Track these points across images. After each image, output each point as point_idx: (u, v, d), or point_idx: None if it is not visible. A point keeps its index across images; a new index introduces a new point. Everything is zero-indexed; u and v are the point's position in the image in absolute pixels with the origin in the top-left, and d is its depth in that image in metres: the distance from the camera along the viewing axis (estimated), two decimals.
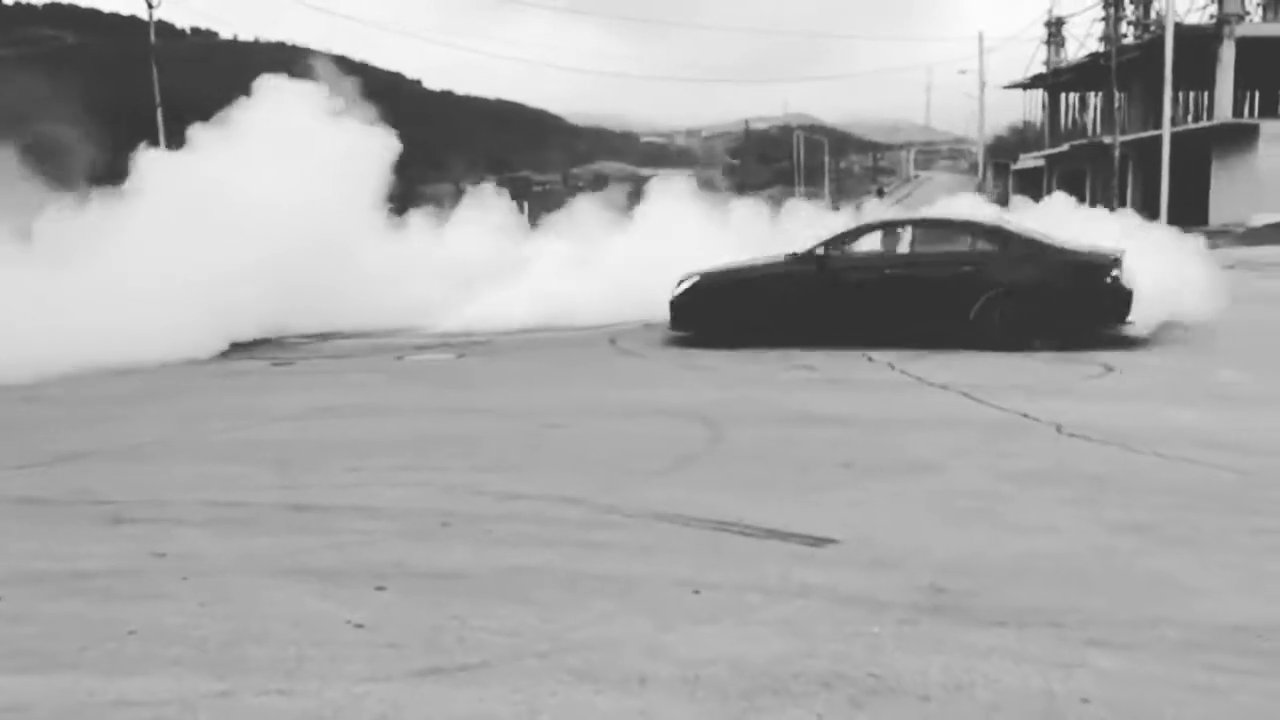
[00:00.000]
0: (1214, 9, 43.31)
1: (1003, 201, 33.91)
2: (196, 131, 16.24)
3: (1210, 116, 45.02)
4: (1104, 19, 47.66)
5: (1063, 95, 57.17)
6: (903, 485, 6.29)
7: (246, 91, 16.48)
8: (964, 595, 4.42)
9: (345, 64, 20.32)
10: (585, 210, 21.37)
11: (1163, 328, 12.82)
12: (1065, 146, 49.15)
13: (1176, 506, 5.69)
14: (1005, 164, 63.10)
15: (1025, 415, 8.17)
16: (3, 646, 4.15)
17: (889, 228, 13.59)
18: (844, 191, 52.49)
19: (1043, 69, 55.07)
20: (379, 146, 17.20)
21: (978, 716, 3.41)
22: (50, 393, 10.79)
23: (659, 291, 13.87)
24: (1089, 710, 3.43)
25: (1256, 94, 49.76)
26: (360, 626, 4.23)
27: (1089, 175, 48.03)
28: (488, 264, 18.10)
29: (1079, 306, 12.00)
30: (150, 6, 36.04)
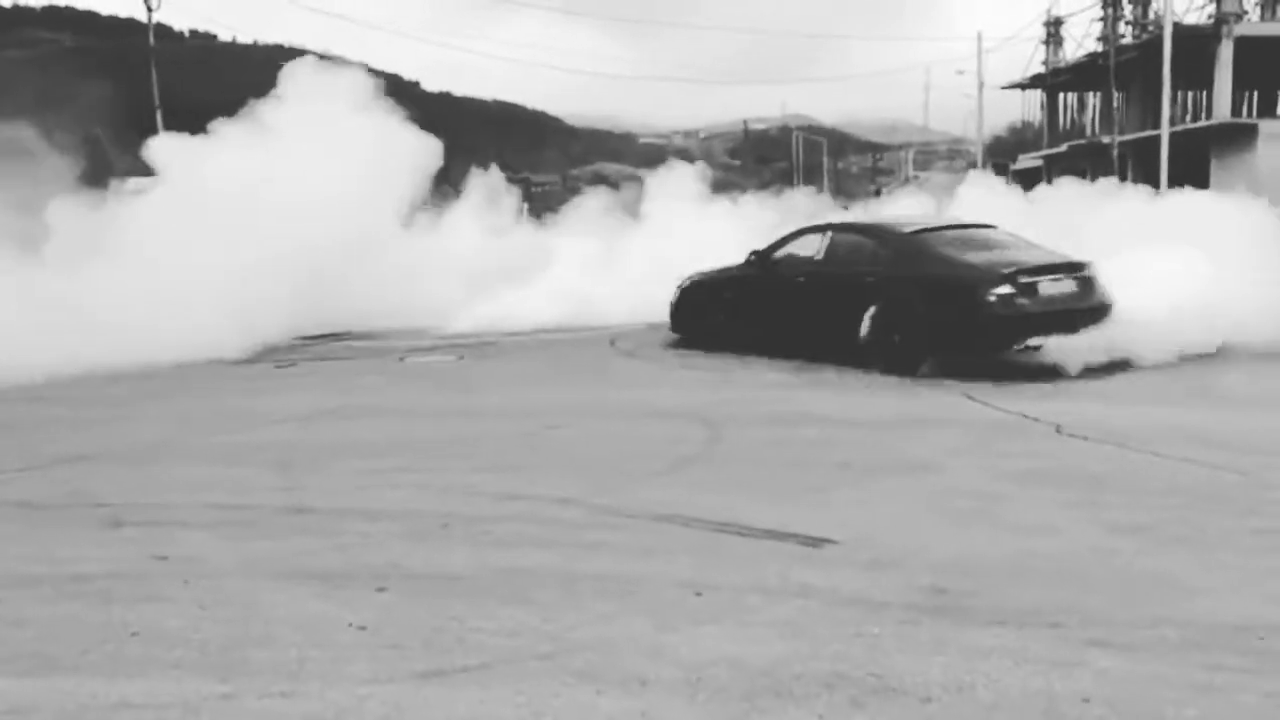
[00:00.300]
0: (1212, 9, 43.31)
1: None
2: (221, 124, 16.17)
3: (1209, 116, 45.02)
4: (1102, 19, 47.66)
5: (1061, 95, 57.15)
6: (902, 485, 6.30)
7: (245, 93, 16.46)
8: (964, 595, 4.42)
9: (344, 65, 20.27)
10: (595, 208, 21.29)
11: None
12: (1064, 147, 49.16)
13: (1176, 506, 5.70)
14: (1004, 164, 63.14)
15: (1024, 415, 8.18)
16: (3, 649, 4.16)
17: (820, 231, 12.37)
18: (843, 192, 52.50)
19: (1041, 69, 55.04)
20: (409, 144, 17.09)
21: (979, 717, 3.42)
22: (53, 394, 10.78)
23: (666, 292, 13.89)
24: (1089, 710, 3.43)
25: (1255, 94, 49.77)
26: (362, 628, 4.24)
27: (1088, 175, 48.02)
28: (504, 263, 18.03)
29: (945, 328, 10.35)
30: (149, 9, 36.06)
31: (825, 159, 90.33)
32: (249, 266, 13.89)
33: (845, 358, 10.91)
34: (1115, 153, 42.44)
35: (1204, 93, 47.73)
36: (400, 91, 19.00)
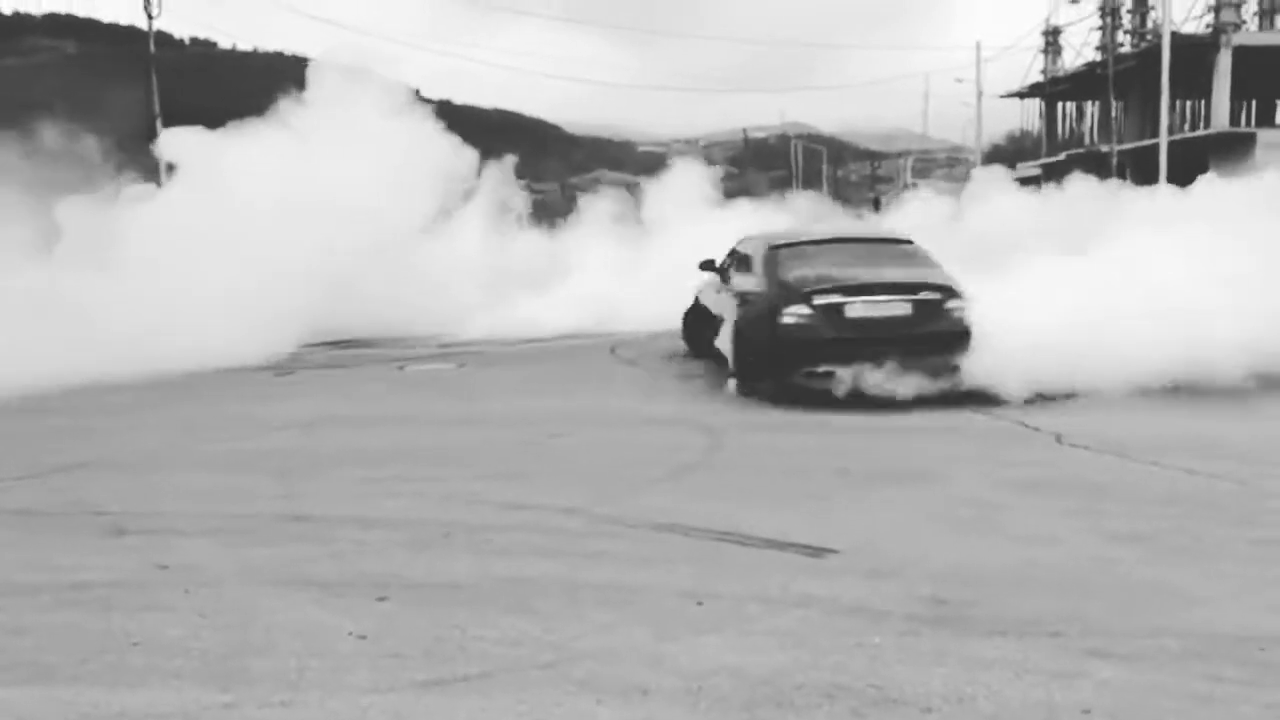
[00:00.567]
0: (1210, 18, 43.45)
1: None
2: (242, 124, 16.12)
3: (1207, 125, 45.13)
4: (1101, 28, 47.80)
5: (1060, 104, 57.29)
6: (902, 494, 6.30)
7: (244, 99, 16.50)
8: (965, 605, 4.43)
9: (341, 73, 20.31)
10: (605, 214, 21.11)
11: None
12: (1062, 155, 49.23)
13: (1176, 516, 5.70)
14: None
15: (1024, 424, 8.18)
16: (3, 658, 4.15)
17: (750, 242, 11.69)
18: (842, 198, 52.55)
19: (1040, 78, 55.17)
20: (435, 151, 17.04)
21: None
22: (54, 402, 10.76)
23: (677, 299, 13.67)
24: None
25: (1253, 103, 49.90)
26: (362, 637, 4.23)
27: None
28: (515, 270, 17.98)
29: (752, 346, 9.93)
30: (150, 17, 36.12)
31: (825, 167, 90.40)
32: (263, 272, 13.83)
33: None
34: (1114, 161, 42.53)
35: (1202, 102, 47.83)
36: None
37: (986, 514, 5.85)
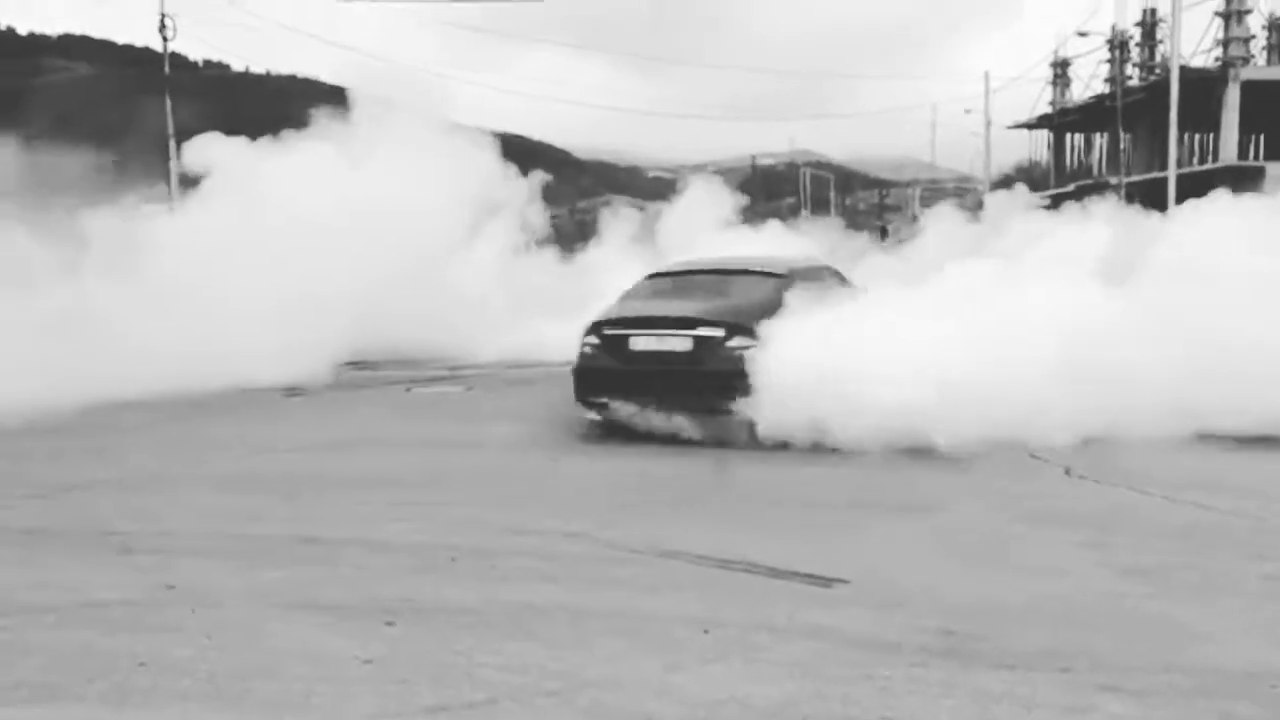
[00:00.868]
0: (1219, 52, 43.66)
1: None
2: (293, 138, 16.11)
3: (1216, 159, 45.22)
4: (1109, 61, 48.09)
5: (1068, 135, 57.51)
6: (910, 525, 6.28)
7: (257, 122, 16.57)
8: (973, 638, 4.40)
9: (352, 96, 20.44)
10: (624, 235, 20.91)
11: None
12: (1071, 187, 49.35)
13: (1185, 550, 5.67)
14: None
15: (1033, 456, 8.15)
16: (9, 677, 4.15)
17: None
18: (855, 226, 52.60)
19: (1048, 109, 55.43)
20: (476, 172, 16.99)
21: None
22: (66, 421, 10.76)
23: None
24: None
25: (1261, 137, 50.02)
26: (369, 662, 4.23)
27: None
28: (540, 292, 17.92)
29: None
30: (165, 39, 36.47)
31: (833, 195, 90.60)
32: (292, 291, 13.75)
33: None
34: (1122, 193, 42.58)
35: (1210, 135, 47.94)
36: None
37: (995, 546, 5.83)
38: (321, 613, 4.83)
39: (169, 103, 34.38)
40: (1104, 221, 14.64)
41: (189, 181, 16.82)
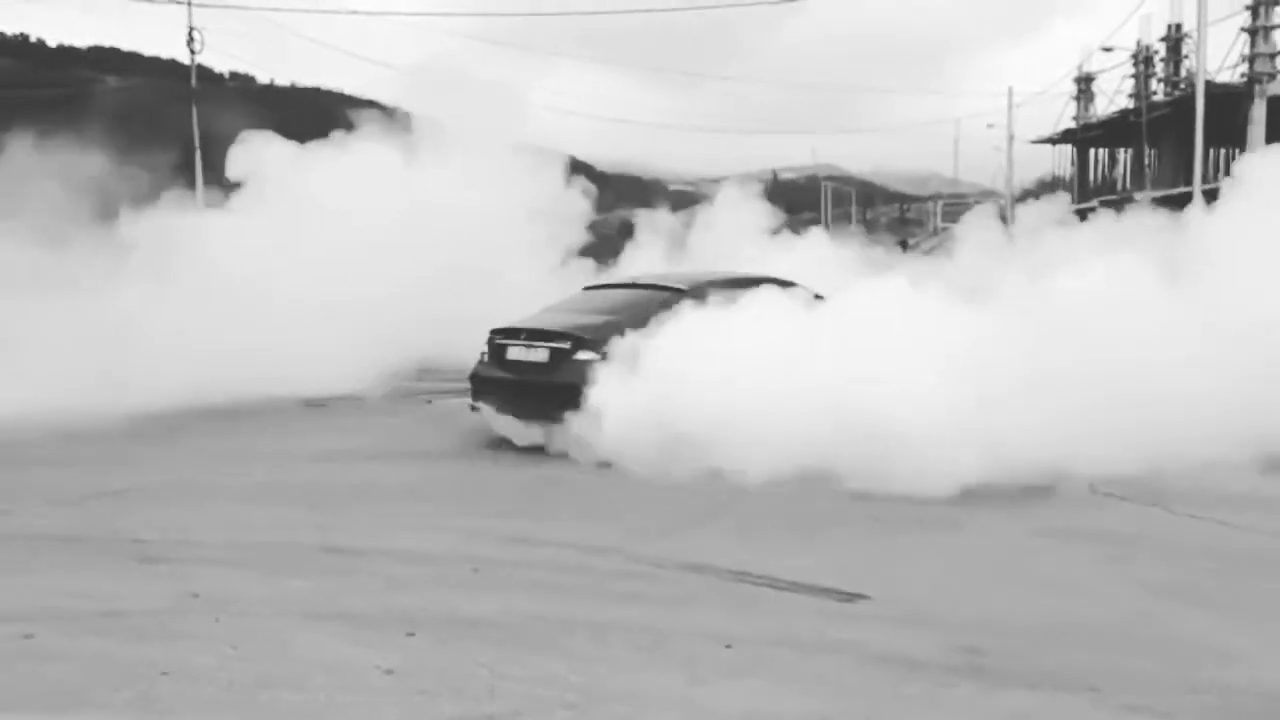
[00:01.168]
0: (1244, 68, 43.38)
1: None
2: (356, 139, 16.00)
3: None
4: (1134, 76, 47.83)
5: (1091, 150, 57.21)
6: (934, 541, 6.24)
7: (282, 134, 16.53)
8: (998, 655, 4.37)
9: (381, 109, 20.55)
10: (659, 247, 20.54)
11: None
12: (1094, 202, 49.12)
13: (1211, 569, 5.62)
14: None
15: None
16: (36, 685, 4.17)
17: None
18: (877, 240, 52.42)
19: (1072, 124, 55.16)
20: (544, 185, 16.84)
21: None
22: (89, 429, 10.83)
23: None
24: None
25: None
26: (390, 672, 4.23)
27: None
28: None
29: None
30: (192, 52, 36.87)
31: (854, 208, 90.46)
32: (340, 299, 13.59)
33: None
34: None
35: (1236, 151, 47.60)
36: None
37: (1019, 563, 5.79)
38: (343, 622, 4.84)
39: (195, 115, 34.72)
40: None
41: (230, 186, 16.68)
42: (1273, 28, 43.63)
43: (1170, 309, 8.56)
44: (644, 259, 20.01)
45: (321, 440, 10.30)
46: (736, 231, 19.85)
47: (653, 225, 21.69)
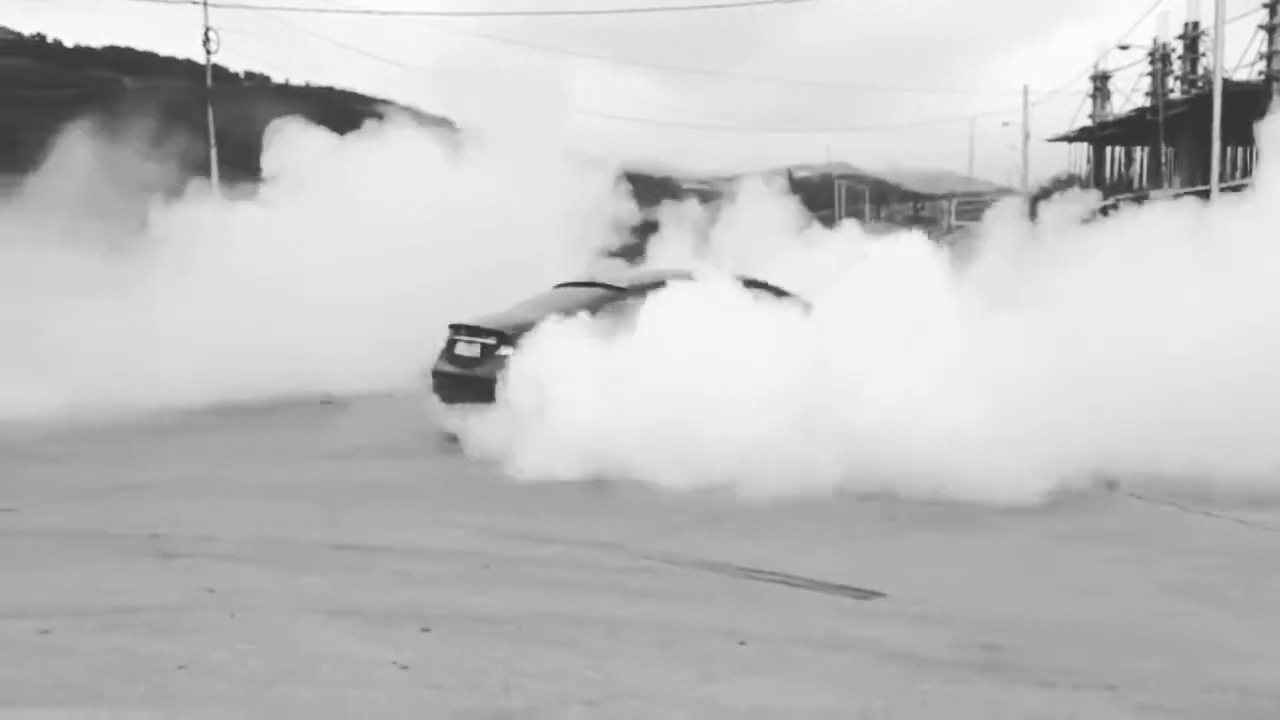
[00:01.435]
0: (1262, 66, 43.09)
1: None
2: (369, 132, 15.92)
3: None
4: (1150, 74, 47.56)
5: (1108, 149, 56.91)
6: (949, 539, 6.22)
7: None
8: (1013, 653, 4.35)
9: (395, 108, 20.53)
10: (683, 245, 20.34)
11: None
12: (1111, 200, 48.92)
13: (1229, 568, 5.58)
14: None
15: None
16: (52, 678, 4.19)
17: None
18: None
19: (1088, 122, 54.88)
20: (589, 185, 16.74)
21: None
22: (104, 426, 10.88)
23: None
24: None
25: None
26: (404, 667, 4.23)
27: None
28: None
29: None
30: (208, 52, 37.00)
31: (868, 206, 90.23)
32: (376, 293, 13.48)
33: None
34: None
35: (1253, 149, 47.29)
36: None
37: (1036, 561, 5.76)
38: (357, 618, 4.84)
39: (211, 114, 34.84)
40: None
41: (248, 183, 16.57)
42: None
43: (1206, 306, 8.10)
44: (669, 255, 19.84)
45: (337, 438, 10.32)
46: (763, 228, 19.54)
47: (679, 219, 21.35)
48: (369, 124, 16.65)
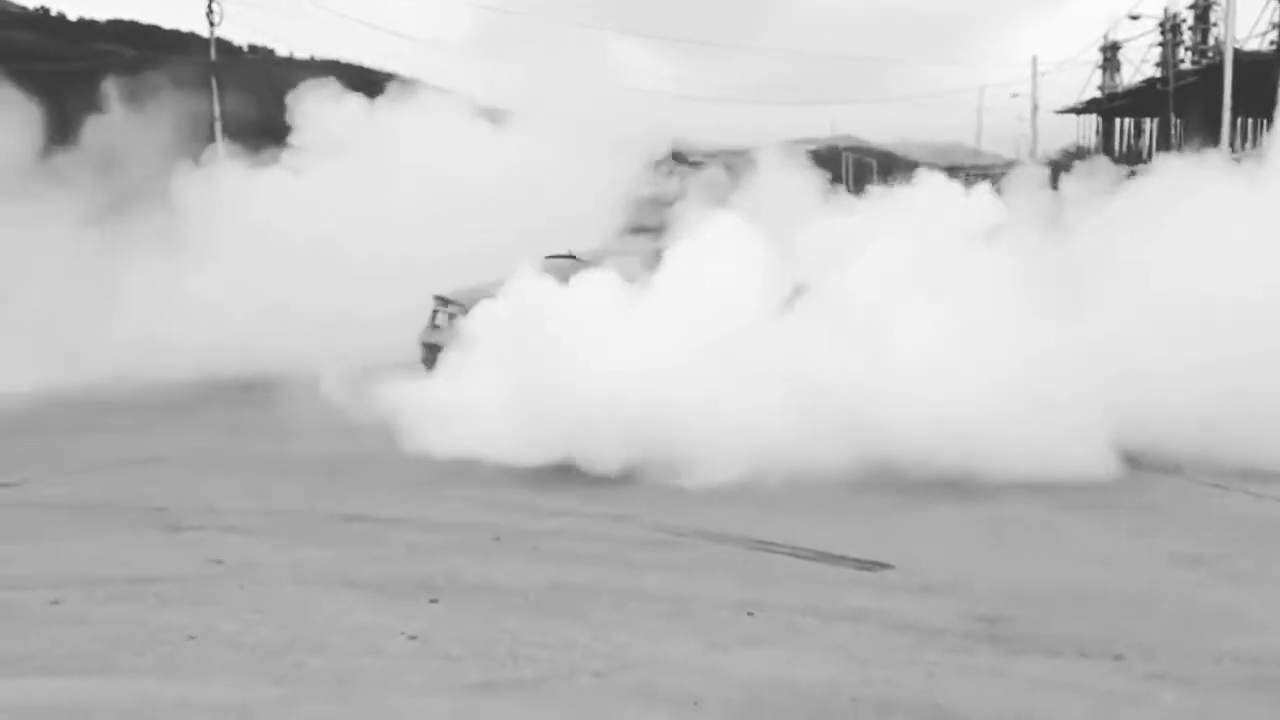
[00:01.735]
0: (1274, 35, 42.71)
1: None
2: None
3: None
4: (1161, 44, 47.17)
5: (1117, 120, 56.51)
6: (956, 511, 6.21)
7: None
8: (1021, 623, 4.35)
9: (400, 81, 20.39)
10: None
11: None
12: (1127, 169, 48.63)
13: (1238, 539, 5.57)
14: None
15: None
16: (64, 648, 4.22)
17: None
18: None
19: (1097, 93, 54.46)
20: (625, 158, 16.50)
21: None
22: (117, 399, 10.89)
23: None
24: None
25: None
26: (414, 638, 4.25)
27: None
28: None
29: None
30: (211, 25, 36.85)
31: (875, 179, 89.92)
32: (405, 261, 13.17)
33: None
34: None
35: (1265, 120, 46.90)
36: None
37: (1042, 532, 5.77)
38: (366, 589, 4.86)
39: (215, 87, 34.73)
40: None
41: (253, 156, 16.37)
42: None
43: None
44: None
45: (354, 411, 10.31)
46: (789, 196, 19.45)
47: (707, 186, 21.20)
48: (393, 89, 16.38)
